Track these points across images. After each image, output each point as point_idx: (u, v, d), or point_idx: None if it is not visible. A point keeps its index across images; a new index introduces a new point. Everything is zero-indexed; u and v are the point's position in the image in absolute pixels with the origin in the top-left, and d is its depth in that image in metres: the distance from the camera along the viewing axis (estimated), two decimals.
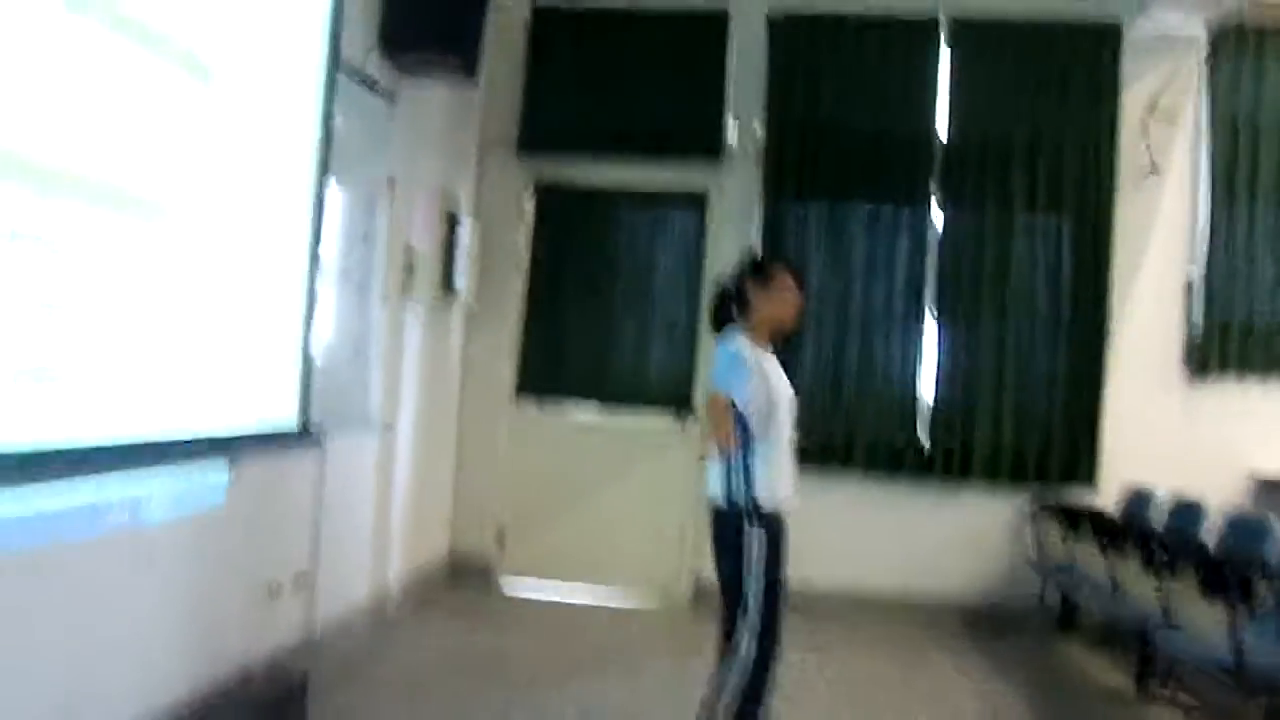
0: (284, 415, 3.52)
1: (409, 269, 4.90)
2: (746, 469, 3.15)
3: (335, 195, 3.86)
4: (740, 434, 3.16)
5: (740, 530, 3.15)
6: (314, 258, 3.54)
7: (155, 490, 2.91)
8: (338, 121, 3.78)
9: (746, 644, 3.15)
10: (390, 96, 4.29)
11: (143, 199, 2.62)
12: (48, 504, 2.46)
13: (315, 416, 3.71)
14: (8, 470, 2.24)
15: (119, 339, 2.60)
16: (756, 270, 3.37)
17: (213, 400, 3.08)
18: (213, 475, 3.22)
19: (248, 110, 3.12)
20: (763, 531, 3.13)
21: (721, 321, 3.37)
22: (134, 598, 2.97)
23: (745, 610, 3.15)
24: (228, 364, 3.15)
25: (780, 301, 3.31)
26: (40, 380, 2.30)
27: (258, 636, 3.75)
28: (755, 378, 3.18)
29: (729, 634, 3.24)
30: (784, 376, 3.31)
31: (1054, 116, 5.75)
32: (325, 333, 3.86)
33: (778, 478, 3.18)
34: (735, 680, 3.16)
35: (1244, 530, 4.15)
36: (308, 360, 3.54)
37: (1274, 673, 3.37)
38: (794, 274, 3.37)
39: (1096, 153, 5.72)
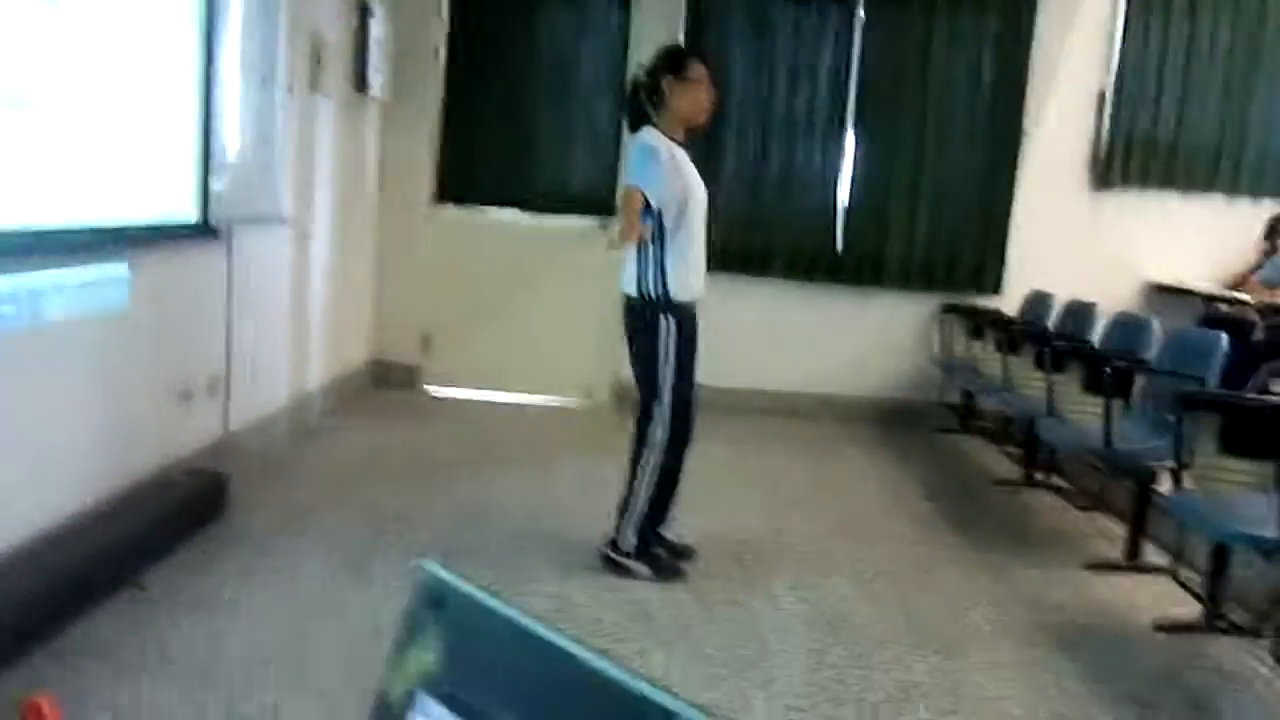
0: (186, 212, 3.45)
1: (317, 60, 4.70)
2: (660, 262, 3.25)
3: None
4: (654, 227, 3.22)
5: (653, 320, 3.28)
6: (208, 46, 3.38)
7: (53, 285, 2.86)
8: None
9: (662, 428, 3.31)
10: None
11: None
12: None
13: (221, 214, 3.64)
14: None
15: (8, 129, 2.49)
16: (671, 63, 3.36)
17: (110, 195, 3.01)
18: (113, 271, 3.16)
19: None
20: (674, 321, 3.27)
21: (637, 118, 3.37)
22: (36, 399, 2.93)
23: (659, 397, 3.30)
24: (124, 158, 3.06)
25: (693, 95, 3.32)
26: None
27: (172, 440, 3.75)
28: (668, 172, 3.24)
29: (641, 422, 3.40)
30: (695, 172, 3.35)
31: None
32: (229, 128, 3.72)
33: (689, 270, 3.30)
34: (652, 461, 3.33)
35: (1128, 331, 4.37)
36: (207, 154, 3.44)
37: (1139, 457, 3.64)
38: (708, 66, 3.38)
39: None
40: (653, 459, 3.34)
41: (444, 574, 0.48)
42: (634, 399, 3.45)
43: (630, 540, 3.37)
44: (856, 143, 5.83)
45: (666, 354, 3.28)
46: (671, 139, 3.30)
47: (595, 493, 4.16)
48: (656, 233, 3.26)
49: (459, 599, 0.48)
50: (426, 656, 0.47)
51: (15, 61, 2.50)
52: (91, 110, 2.85)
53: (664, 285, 3.26)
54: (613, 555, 3.39)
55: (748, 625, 3.07)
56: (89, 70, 2.81)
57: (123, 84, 3.01)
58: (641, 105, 3.35)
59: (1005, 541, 3.98)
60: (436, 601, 0.48)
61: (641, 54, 5.74)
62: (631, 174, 3.29)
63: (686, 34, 5.73)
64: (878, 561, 3.67)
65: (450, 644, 0.47)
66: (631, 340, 3.41)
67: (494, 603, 0.47)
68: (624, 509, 3.39)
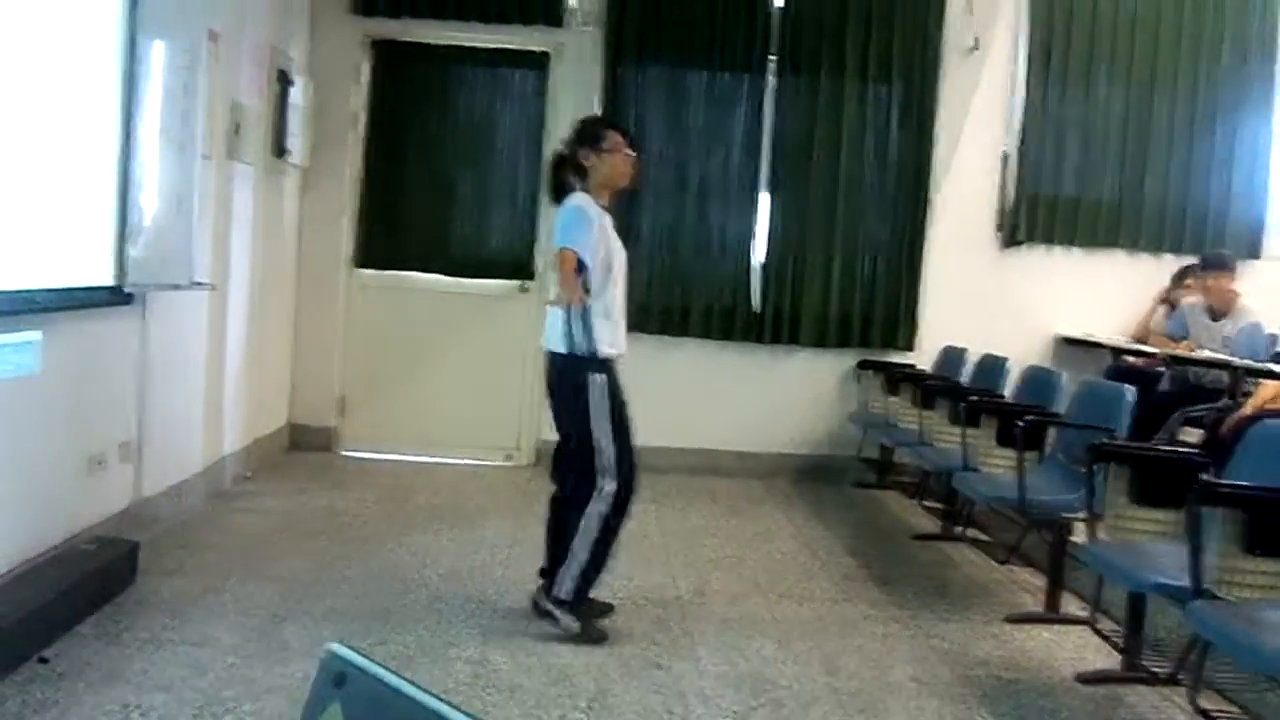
0: (100, 278, 3.40)
1: (236, 128, 4.69)
2: (586, 322, 3.31)
3: (156, 49, 3.65)
4: (583, 289, 3.31)
5: (582, 377, 3.34)
6: (125, 111, 3.36)
7: None
8: None
9: (610, 481, 3.34)
10: None
11: None
12: None
13: (135, 279, 3.59)
14: None
15: None
16: (587, 135, 3.51)
17: (21, 260, 2.95)
18: (24, 336, 3.09)
19: None
20: (603, 377, 3.34)
21: (560, 190, 3.50)
22: None
23: (600, 451, 3.34)
24: (36, 222, 3.01)
25: (613, 162, 3.46)
26: None
27: (82, 509, 3.65)
28: (596, 234, 3.35)
29: (563, 482, 3.43)
30: (616, 235, 3.48)
31: None
32: (146, 194, 3.68)
33: (615, 327, 3.41)
34: (598, 512, 3.34)
35: (1038, 384, 4.53)
36: (123, 220, 3.40)
37: (1053, 509, 3.76)
38: (623, 134, 3.53)
39: (925, 25, 5.91)
40: (598, 510, 3.34)
41: (347, 653, 0.49)
42: (555, 458, 3.48)
43: (567, 590, 3.35)
44: (771, 204, 5.98)
45: (601, 409, 3.33)
46: (598, 204, 3.43)
47: (516, 553, 4.15)
48: (584, 291, 3.33)
49: (361, 678, 0.49)
50: None
51: None
52: (6, 175, 2.80)
53: (591, 342, 3.32)
54: (543, 603, 3.38)
55: (670, 688, 3.06)
56: (3, 135, 2.77)
57: (39, 149, 2.97)
58: (564, 177, 3.48)
59: (927, 596, 4.04)
60: (338, 681, 0.49)
61: (559, 119, 5.88)
62: (563, 236, 3.37)
63: (603, 99, 5.84)
64: (800, 620, 3.69)
65: None
66: (557, 397, 3.46)
67: (396, 681, 0.48)
68: (565, 558, 3.36)
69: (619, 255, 3.46)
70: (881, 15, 5.88)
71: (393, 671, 0.49)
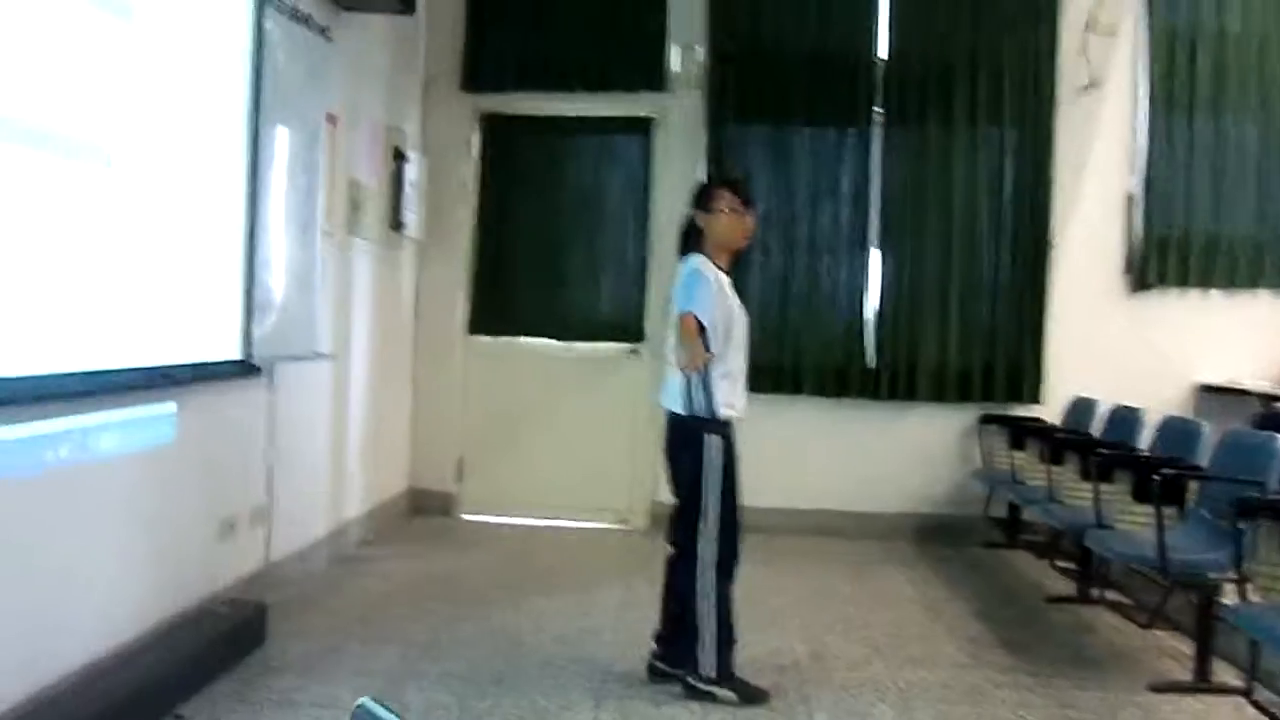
0: (229, 352, 3.56)
1: (355, 205, 4.88)
2: (706, 383, 3.30)
3: (280, 133, 3.85)
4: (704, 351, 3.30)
5: (699, 439, 3.32)
6: (251, 195, 3.54)
7: (102, 425, 2.94)
8: (278, 58, 3.75)
9: (710, 546, 3.31)
10: (325, 31, 4.23)
11: (76, 140, 2.61)
12: None
13: (262, 352, 3.74)
14: None
15: (60, 280, 2.61)
16: (698, 199, 3.51)
17: (156, 337, 3.11)
18: (160, 409, 3.25)
19: (173, 48, 3.10)
20: (720, 439, 3.32)
21: (685, 250, 3.50)
22: (86, 535, 2.99)
23: (704, 515, 3.31)
24: (170, 301, 3.18)
25: (723, 222, 3.43)
26: None
27: (215, 571, 3.80)
28: (715, 295, 3.33)
29: (676, 542, 3.41)
30: (737, 297, 3.46)
31: (993, 31, 5.78)
32: (272, 271, 3.86)
33: (735, 389, 3.38)
34: (708, 580, 3.31)
35: (1177, 435, 4.28)
36: (249, 296, 3.56)
37: (1198, 568, 3.52)
38: (734, 191, 3.48)
39: (1036, 67, 5.78)
40: (708, 581, 3.32)
41: (374, 706, 0.49)
42: (672, 519, 3.45)
43: (709, 665, 3.32)
44: (883, 257, 5.88)
45: (713, 471, 3.31)
46: (717, 266, 3.41)
47: (631, 617, 4.10)
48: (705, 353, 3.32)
49: None
50: None
51: (71, 216, 2.63)
52: (142, 258, 2.97)
53: (710, 404, 3.30)
54: (695, 684, 3.34)
55: None
56: (140, 221, 2.94)
57: (171, 232, 3.14)
58: (688, 239, 3.49)
59: (1062, 663, 3.81)
60: None
61: (664, 183, 5.96)
62: (682, 299, 3.35)
63: (708, 160, 5.87)
64: (924, 687, 3.53)
65: None
66: (674, 459, 3.43)
67: None
68: (692, 637, 3.33)
69: (739, 317, 3.42)
70: (989, 59, 5.78)
71: None
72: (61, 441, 2.73)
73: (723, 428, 3.34)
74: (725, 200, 3.43)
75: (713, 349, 3.30)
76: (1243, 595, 3.15)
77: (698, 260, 3.40)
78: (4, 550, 2.63)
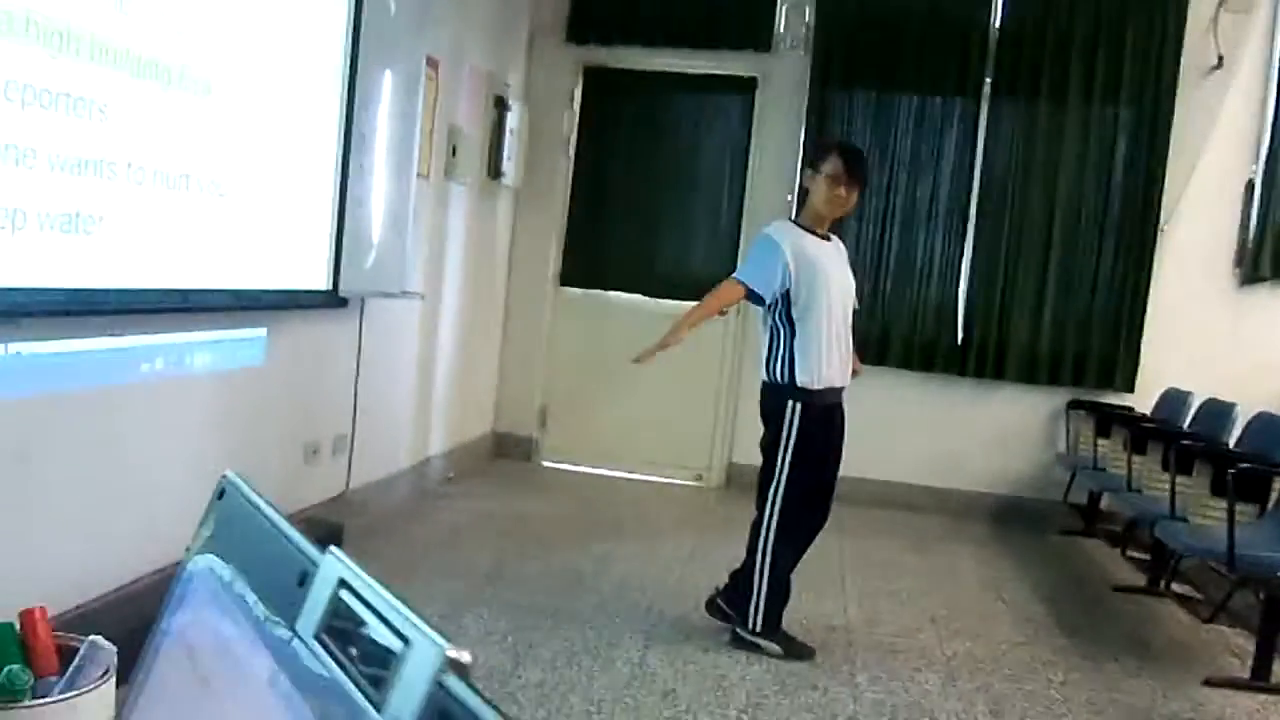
0: (319, 283, 3.74)
1: (453, 150, 5.02)
2: (788, 348, 3.34)
3: (378, 74, 3.98)
4: (782, 318, 3.34)
5: (780, 405, 3.37)
6: (345, 133, 3.69)
7: (195, 341, 3.15)
8: (391, 2, 3.87)
9: (776, 513, 3.37)
10: None
11: (176, 67, 2.78)
12: (95, 345, 2.70)
13: (351, 285, 3.91)
14: (57, 312, 2.47)
15: (165, 201, 2.79)
16: (812, 156, 3.50)
17: (250, 264, 3.29)
18: (251, 331, 3.45)
19: None
20: (800, 407, 3.33)
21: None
22: (175, 445, 3.20)
23: (776, 478, 3.37)
24: (264, 231, 3.35)
25: (820, 186, 3.38)
26: (89, 230, 2.51)
27: (297, 492, 4.01)
28: (792, 261, 3.29)
29: (759, 504, 3.46)
30: (834, 261, 3.41)
31: (1117, 5, 5.56)
32: (366, 209, 4.02)
33: (818, 357, 3.34)
34: (769, 544, 3.38)
35: (1267, 432, 4.14)
36: (340, 230, 3.73)
37: (1267, 565, 3.42)
38: (844, 158, 3.37)
39: (1160, 44, 5.53)
40: (769, 537, 3.38)
41: (234, 477, 0.57)
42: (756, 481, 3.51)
43: (756, 619, 3.39)
44: (979, 233, 5.76)
45: (789, 439, 3.33)
46: (810, 230, 3.39)
47: (693, 569, 4.19)
48: (784, 320, 3.35)
49: (234, 493, 0.57)
50: (206, 530, 0.57)
51: (176, 145, 2.81)
52: (239, 188, 3.14)
53: (790, 372, 3.33)
54: (741, 633, 3.42)
55: (823, 708, 3.01)
56: (237, 151, 3.12)
57: (267, 164, 3.31)
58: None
59: (1118, 649, 3.76)
60: (220, 494, 0.58)
61: (764, 144, 5.95)
62: (741, 265, 3.41)
63: (807, 125, 5.84)
64: (972, 658, 3.54)
65: (220, 524, 0.56)
66: (764, 422, 3.47)
67: (259, 500, 0.56)
68: (747, 589, 3.41)
69: (831, 283, 3.35)
70: (1111, 34, 5.57)
71: (263, 498, 0.56)
72: (157, 354, 2.93)
73: (805, 395, 3.33)
74: (831, 164, 3.35)
75: (794, 314, 3.31)
76: None
77: (775, 227, 3.41)
78: (99, 451, 2.85)
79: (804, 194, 3.44)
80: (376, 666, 0.38)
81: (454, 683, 0.33)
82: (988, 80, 5.72)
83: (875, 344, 5.83)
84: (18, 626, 0.77)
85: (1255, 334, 5.56)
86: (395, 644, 0.38)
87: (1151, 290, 5.62)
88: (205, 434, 3.37)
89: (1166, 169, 5.58)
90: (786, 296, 3.34)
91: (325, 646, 0.42)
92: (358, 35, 3.67)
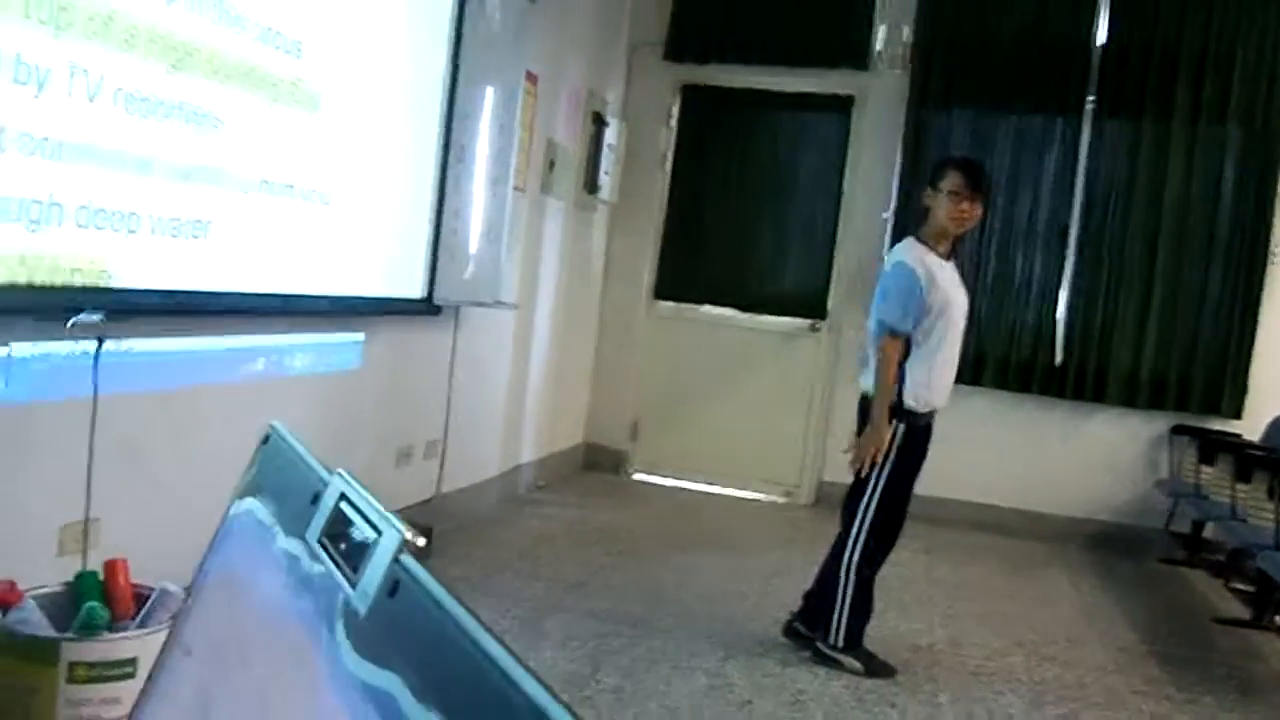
0: (415, 291, 3.88)
1: (550, 165, 5.15)
2: (900, 368, 3.28)
3: (478, 89, 4.12)
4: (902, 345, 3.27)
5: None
6: (444, 146, 3.83)
7: (294, 344, 3.30)
8: (481, 16, 4.01)
9: (864, 529, 3.35)
10: None
11: (284, 81, 2.94)
12: (200, 345, 2.87)
13: (446, 294, 4.04)
14: (165, 312, 2.64)
15: (270, 209, 2.96)
16: (931, 174, 3.41)
17: (349, 272, 3.45)
18: (349, 336, 3.60)
19: (383, 3, 3.40)
20: (903, 428, 3.30)
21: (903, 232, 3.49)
22: None
23: (868, 495, 3.34)
24: (365, 240, 3.51)
25: (942, 204, 3.29)
26: (197, 235, 2.67)
27: (389, 495, 4.04)
28: (925, 288, 3.23)
29: (845, 519, 3.45)
30: (957, 283, 3.36)
31: (1227, 21, 5.40)
32: (464, 220, 4.15)
33: (931, 381, 3.30)
34: (854, 559, 3.37)
35: None
36: (437, 240, 3.86)
37: None
38: (964, 172, 3.31)
39: (1273, 62, 5.35)
40: (852, 561, 3.37)
41: (279, 426, 0.64)
42: (846, 495, 3.49)
43: (838, 637, 3.39)
44: (1081, 252, 5.63)
45: (887, 458, 3.30)
46: (934, 250, 3.31)
47: (778, 585, 4.19)
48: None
49: (275, 438, 0.64)
50: (251, 472, 0.64)
51: (283, 155, 2.97)
52: (341, 197, 3.30)
53: (900, 391, 3.28)
54: (823, 648, 3.42)
55: None
56: (340, 163, 3.27)
57: (369, 175, 3.47)
58: (918, 217, 3.45)
59: (1214, 682, 3.63)
60: (264, 439, 0.65)
61: (860, 163, 5.94)
62: (878, 307, 3.31)
63: (905, 143, 5.80)
64: (1060, 684, 3.46)
65: (262, 465, 0.63)
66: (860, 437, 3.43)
67: (293, 441, 0.63)
68: (830, 605, 3.41)
69: (953, 307, 3.30)
70: (1220, 53, 5.41)
71: (299, 440, 0.62)
72: (258, 355, 3.09)
73: (909, 416, 3.29)
74: (950, 180, 3.27)
75: (915, 335, 3.24)
76: None
77: (905, 249, 3.31)
78: (201, 448, 3.00)
79: (925, 212, 3.36)
80: (359, 557, 0.44)
81: (408, 560, 0.40)
82: (1090, 99, 5.60)
83: (971, 364, 5.72)
84: (101, 575, 0.85)
85: None
86: (371, 535, 0.47)
87: (1261, 315, 5.42)
88: (302, 433, 3.50)
89: (1277, 191, 5.38)
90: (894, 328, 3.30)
91: (324, 547, 0.49)
92: (459, 49, 3.81)
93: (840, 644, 3.38)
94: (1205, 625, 4.36)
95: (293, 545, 0.52)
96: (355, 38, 3.26)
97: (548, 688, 0.34)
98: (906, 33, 5.85)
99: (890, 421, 3.28)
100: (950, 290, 3.30)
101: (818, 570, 3.55)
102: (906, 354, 3.27)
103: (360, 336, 3.70)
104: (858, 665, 3.36)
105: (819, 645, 3.42)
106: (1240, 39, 5.39)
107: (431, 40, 3.77)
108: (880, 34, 5.89)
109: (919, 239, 3.33)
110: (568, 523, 5.03)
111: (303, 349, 3.36)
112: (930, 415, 3.36)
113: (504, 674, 0.35)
